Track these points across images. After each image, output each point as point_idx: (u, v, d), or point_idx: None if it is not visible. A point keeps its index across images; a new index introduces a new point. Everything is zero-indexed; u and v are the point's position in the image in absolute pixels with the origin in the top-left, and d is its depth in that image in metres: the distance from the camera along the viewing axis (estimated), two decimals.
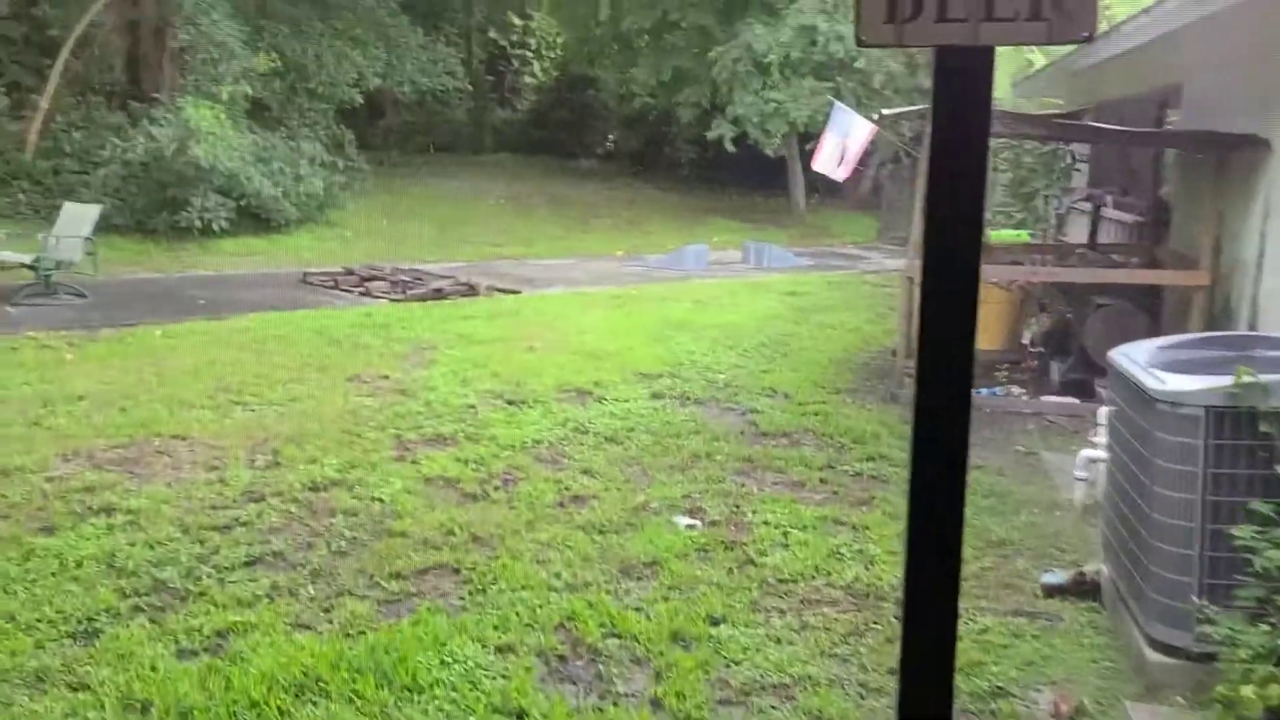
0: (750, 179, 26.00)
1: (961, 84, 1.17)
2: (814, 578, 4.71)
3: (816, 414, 7.51)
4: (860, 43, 1.23)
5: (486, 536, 5.10)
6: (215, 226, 15.18)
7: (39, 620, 4.10)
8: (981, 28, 1.17)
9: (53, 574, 4.51)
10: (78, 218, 11.37)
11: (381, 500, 5.52)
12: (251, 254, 15.24)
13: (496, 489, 5.79)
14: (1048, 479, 6.25)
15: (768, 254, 17.53)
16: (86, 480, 5.63)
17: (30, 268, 10.69)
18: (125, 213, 15.19)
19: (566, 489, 5.83)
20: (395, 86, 21.65)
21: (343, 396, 7.60)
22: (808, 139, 19.74)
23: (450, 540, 5.03)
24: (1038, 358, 8.64)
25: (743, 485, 6.02)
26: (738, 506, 5.63)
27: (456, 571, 4.71)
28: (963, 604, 4.54)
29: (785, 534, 5.22)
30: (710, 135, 22.49)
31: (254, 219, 16.03)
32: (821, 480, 6.11)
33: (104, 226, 14.26)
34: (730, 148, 22.23)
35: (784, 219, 23.54)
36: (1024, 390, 8.21)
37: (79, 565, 4.60)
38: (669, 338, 10.18)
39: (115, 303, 11.11)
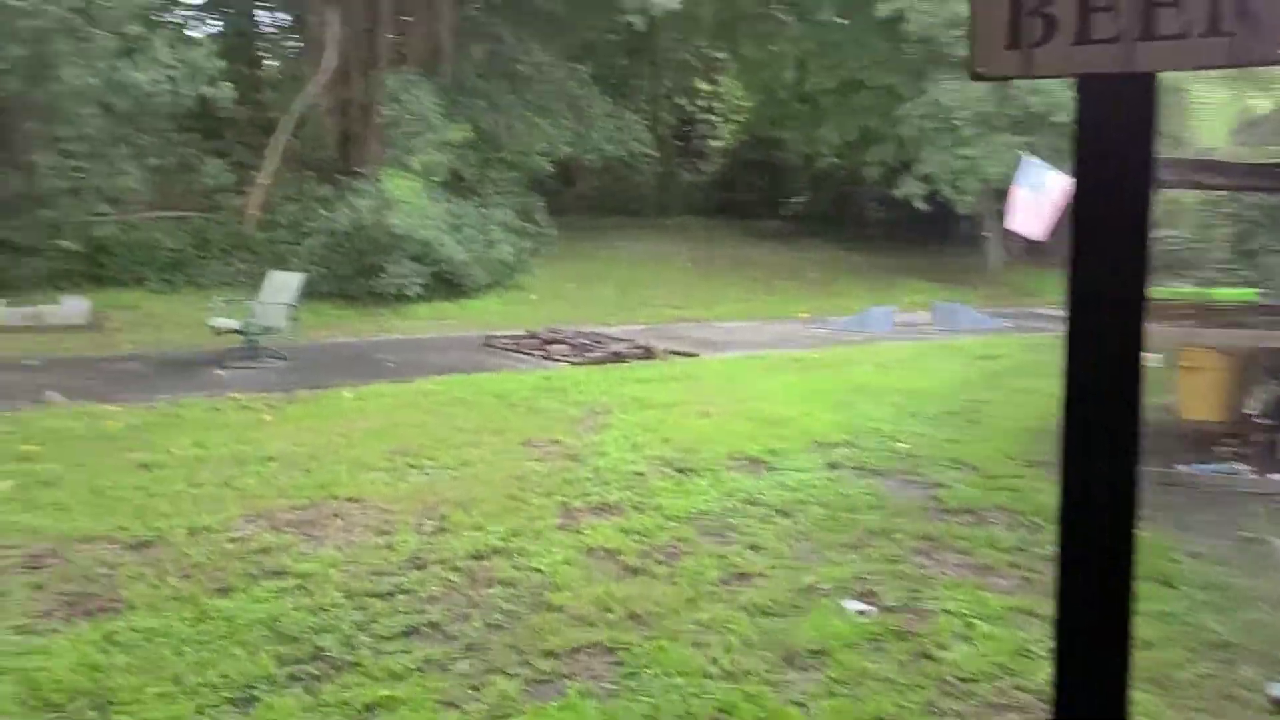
0: (941, 237, 25.18)
1: (1113, 121, 0.88)
2: (1000, 678, 4.24)
3: (1008, 489, 6.96)
4: (976, 75, 0.97)
5: (644, 614, 4.88)
6: (409, 292, 15.86)
7: (202, 684, 4.15)
8: (1138, 49, 0.88)
9: (221, 637, 4.59)
10: (282, 285, 12.08)
11: (541, 571, 5.40)
12: (442, 318, 15.81)
13: (659, 562, 5.58)
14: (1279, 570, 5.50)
15: (959, 315, 16.79)
16: (264, 542, 5.78)
17: (239, 332, 11.38)
18: (329, 279, 16.09)
19: (731, 565, 5.55)
20: (583, 154, 22.20)
21: (514, 461, 7.60)
22: (1003, 195, 18.92)
23: (607, 617, 4.85)
24: (1265, 430, 7.75)
25: (923, 567, 5.58)
26: (916, 591, 5.21)
27: (611, 651, 4.51)
28: (1177, 717, 3.97)
29: (968, 625, 4.77)
30: (899, 193, 21.93)
31: (446, 284, 16.66)
32: (1011, 565, 5.59)
33: (309, 292, 15.15)
34: (920, 206, 21.58)
35: (977, 278, 22.58)
36: (1249, 467, 7.36)
37: (247, 629, 4.67)
38: (850, 404, 9.77)
39: (313, 365, 11.66)
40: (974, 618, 4.83)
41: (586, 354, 12.54)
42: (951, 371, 11.85)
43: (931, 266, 24.00)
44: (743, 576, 5.41)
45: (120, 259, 16.17)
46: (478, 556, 5.62)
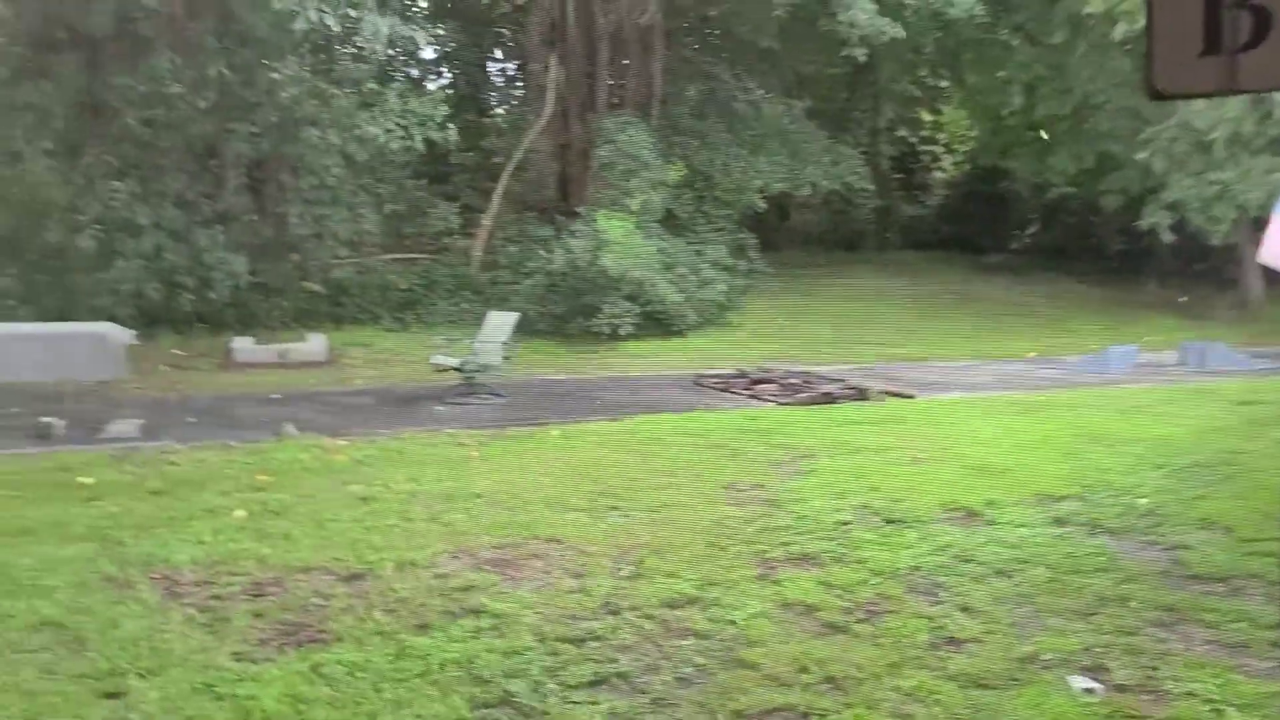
0: (1190, 270, 23.23)
1: None
2: None
3: (1267, 555, 6.16)
4: (1156, 94, 0.74)
5: (843, 678, 4.59)
6: (622, 331, 16.09)
7: None
8: None
9: (418, 675, 4.65)
10: (499, 325, 12.50)
11: (735, 624, 5.20)
12: (653, 356, 15.92)
13: (860, 621, 5.26)
14: None
15: (1212, 355, 15.33)
16: (465, 580, 5.86)
17: (457, 370, 11.85)
18: (547, 318, 16.58)
19: (940, 628, 5.16)
20: (797, 190, 21.96)
21: (713, 505, 7.44)
22: (1262, 224, 17.22)
23: (802, 678, 4.58)
24: None
25: (1162, 642, 4.99)
26: (1154, 670, 4.65)
27: (804, 717, 4.25)
28: None
29: (1217, 712, 4.20)
30: (1142, 223, 20.38)
31: (657, 323, 16.80)
32: (1272, 644, 4.90)
33: (528, 331, 15.66)
34: (1166, 236, 19.97)
35: (1233, 315, 20.62)
36: None
37: (441, 668, 4.71)
38: (1081, 452, 9.03)
39: (526, 403, 11.97)
40: (1223, 704, 4.26)
41: (795, 394, 12.26)
42: (1202, 418, 10.76)
43: (1178, 302, 22.16)
44: (953, 641, 5.01)
45: (357, 299, 17.29)
46: (671, 605, 5.48)
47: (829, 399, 12.01)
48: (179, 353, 14.76)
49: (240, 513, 7.15)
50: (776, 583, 5.80)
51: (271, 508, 7.31)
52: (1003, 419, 10.74)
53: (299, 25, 13.30)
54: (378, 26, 13.70)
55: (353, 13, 13.78)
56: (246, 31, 15.21)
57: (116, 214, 15.25)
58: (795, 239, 28.93)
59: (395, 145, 15.24)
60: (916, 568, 6.06)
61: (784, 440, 9.60)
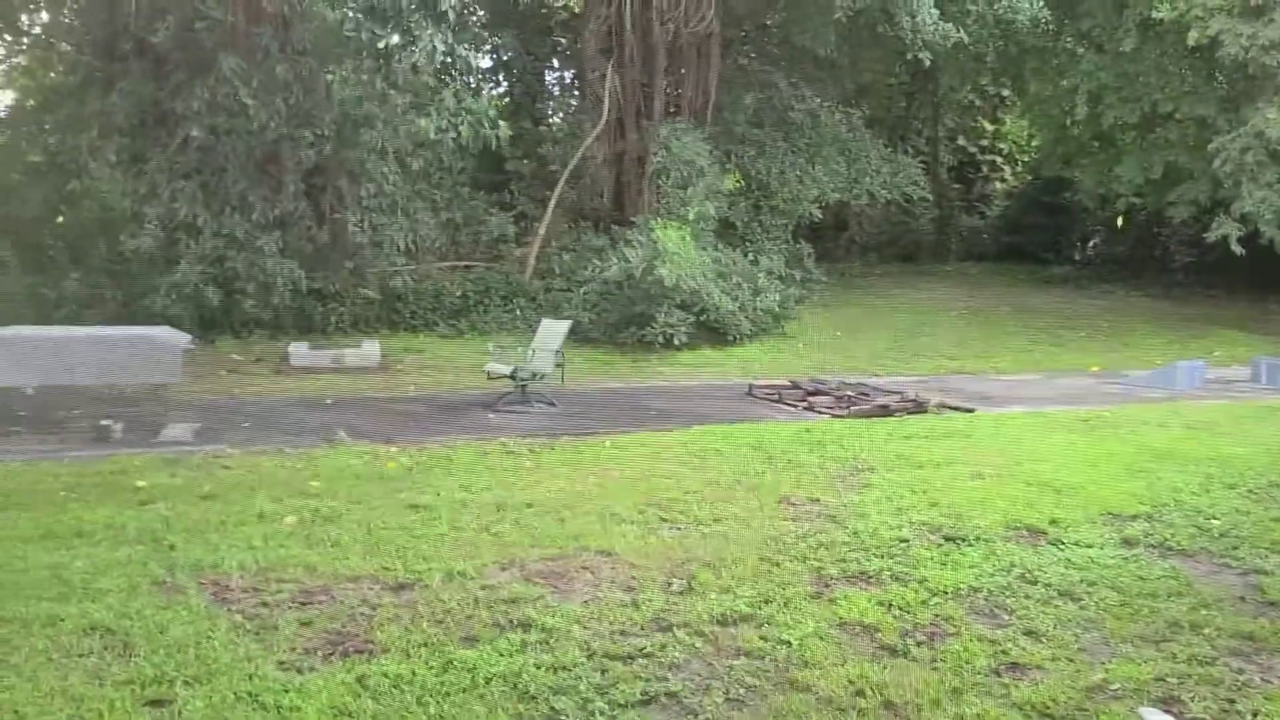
0: (1263, 284, 22.53)
1: None
2: None
3: None
4: None
5: (901, 703, 4.41)
6: (676, 340, 15.95)
7: None
8: None
9: (463, 689, 4.56)
10: (551, 333, 12.43)
11: (789, 643, 5.04)
12: (706, 365, 15.76)
13: (920, 644, 5.07)
14: None
15: None
16: (514, 592, 5.77)
17: (510, 378, 11.80)
18: (600, 327, 16.50)
19: (1004, 653, 4.95)
20: (854, 200, 21.70)
21: (768, 519, 7.27)
22: None
23: (858, 703, 4.41)
24: None
25: (1240, 672, 4.75)
26: (1230, 702, 4.42)
27: None
28: None
29: None
30: (1212, 235, 19.80)
31: (712, 332, 16.64)
32: None
33: (581, 339, 15.60)
34: (1237, 249, 19.38)
35: None
36: None
37: (487, 683, 4.61)
38: (1149, 471, 8.71)
39: (578, 412, 11.88)
40: None
41: (851, 406, 12.03)
42: (1277, 437, 10.36)
43: (1251, 316, 21.50)
44: (1017, 668, 4.81)
45: (412, 306, 17.37)
46: (724, 622, 5.34)
47: (886, 411, 11.76)
48: (237, 356, 14.91)
49: (290, 519, 7.13)
50: (832, 601, 5.63)
51: (322, 514, 7.28)
52: (1067, 435, 10.43)
53: (354, 32, 13.40)
54: (433, 46, 13.74)
55: (399, 38, 13.85)
56: (305, 39, 15.37)
57: (177, 218, 15.49)
58: (853, 249, 28.61)
59: (449, 142, 15.26)
60: (978, 588, 5.86)
61: (840, 453, 9.39)
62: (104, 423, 9.56)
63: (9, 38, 20.43)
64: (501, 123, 15.50)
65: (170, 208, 15.54)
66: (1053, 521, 7.10)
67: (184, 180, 15.81)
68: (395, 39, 13.75)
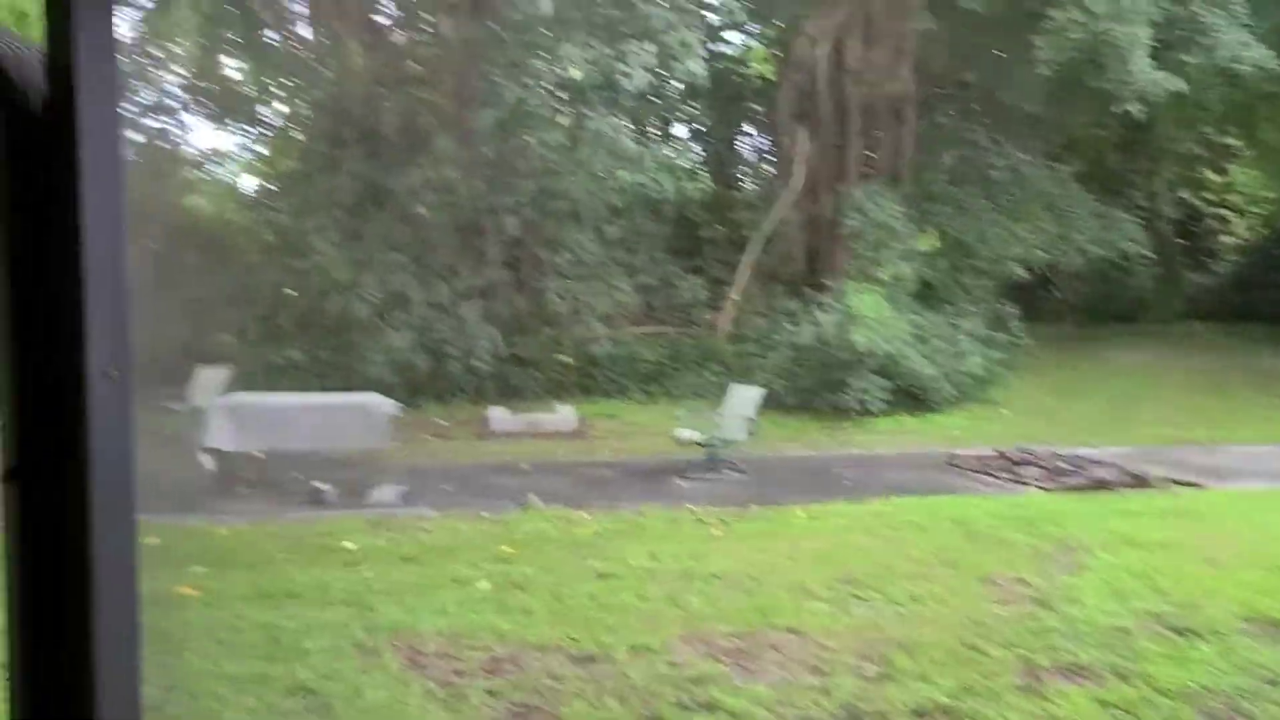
0: None
1: None
2: None
3: None
4: None
5: None
6: (871, 406, 15.48)
7: None
8: None
9: None
10: (743, 399, 12.31)
11: None
12: (904, 433, 15.19)
13: None
14: None
15: None
16: (699, 669, 5.63)
17: (700, 444, 11.73)
18: (793, 392, 16.22)
19: None
20: (1063, 258, 20.62)
21: (971, 601, 6.84)
22: None
23: None
24: None
25: None
26: None
27: None
28: None
29: None
30: None
31: (910, 398, 16.06)
32: None
33: (772, 405, 15.36)
34: None
35: None
36: None
37: None
38: None
39: (769, 479, 11.66)
40: None
41: (1063, 479, 11.26)
42: None
43: None
44: None
45: (607, 371, 17.65)
46: (920, 713, 5.01)
47: (1102, 485, 10.95)
48: (441, 421, 15.54)
49: (484, 584, 7.27)
50: (1043, 696, 5.19)
51: (514, 580, 7.39)
52: None
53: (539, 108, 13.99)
54: (613, 123, 14.27)
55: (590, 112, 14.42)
56: (505, 116, 16.03)
57: (390, 289, 16.42)
58: (1063, 310, 27.14)
59: (645, 206, 15.60)
60: (1213, 689, 5.27)
61: (1052, 531, 8.77)
62: (317, 485, 10.10)
63: (250, 129, 22.48)
64: (698, 174, 15.70)
65: (383, 279, 16.50)
66: None
67: (396, 253, 16.77)
68: (587, 113, 14.26)
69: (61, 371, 1.31)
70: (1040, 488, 11.06)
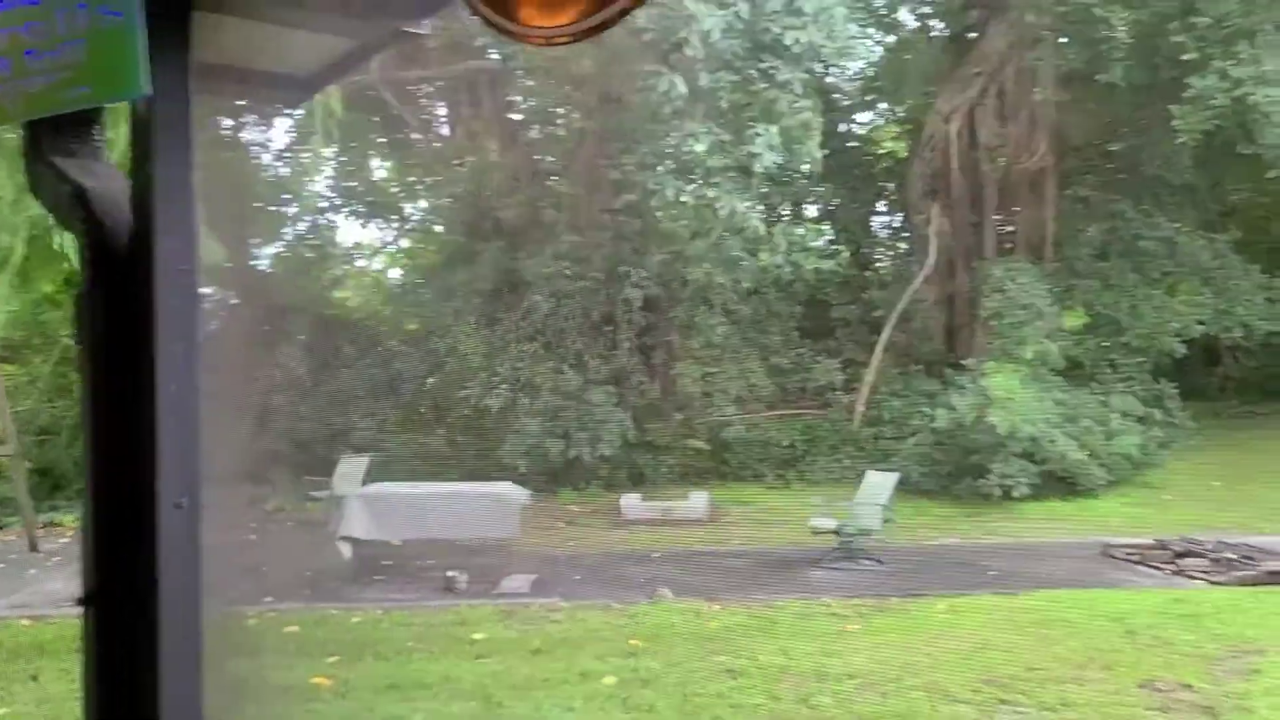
0: None
1: None
2: None
3: None
4: None
5: None
6: (1016, 492, 14.77)
7: None
8: None
9: None
10: (878, 486, 11.92)
11: None
12: (1054, 520, 14.39)
13: None
14: None
15: None
16: None
17: (835, 533, 11.39)
18: (932, 477, 15.67)
19: None
20: (1225, 332, 19.47)
21: (1128, 709, 6.34)
22: None
23: None
24: None
25: None
26: None
27: None
28: None
29: None
30: None
31: (1059, 482, 15.26)
32: None
33: (912, 491, 14.86)
34: None
35: None
36: None
37: None
38: None
39: (908, 570, 11.20)
40: None
41: (1233, 571, 10.42)
42: None
43: None
44: None
45: (740, 455, 17.44)
46: None
47: (1276, 579, 10.07)
48: (574, 508, 15.59)
49: (610, 679, 7.15)
50: None
51: (640, 675, 7.25)
52: None
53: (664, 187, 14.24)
54: (739, 207, 14.42)
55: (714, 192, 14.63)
56: (640, 191, 16.31)
57: (522, 376, 16.74)
58: (1229, 386, 25.54)
59: (778, 286, 15.55)
60: None
61: (1220, 629, 8.11)
62: (450, 574, 10.22)
63: (396, 224, 23.58)
64: (832, 253, 15.61)
65: (516, 367, 16.85)
66: None
67: (530, 342, 17.13)
68: (712, 193, 14.43)
69: (135, 501, 1.32)
70: (1206, 581, 10.26)
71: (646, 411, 17.13)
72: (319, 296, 21.13)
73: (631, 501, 15.08)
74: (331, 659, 7.74)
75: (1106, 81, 16.59)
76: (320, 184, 21.42)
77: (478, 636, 8.37)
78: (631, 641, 8.15)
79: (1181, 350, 18.88)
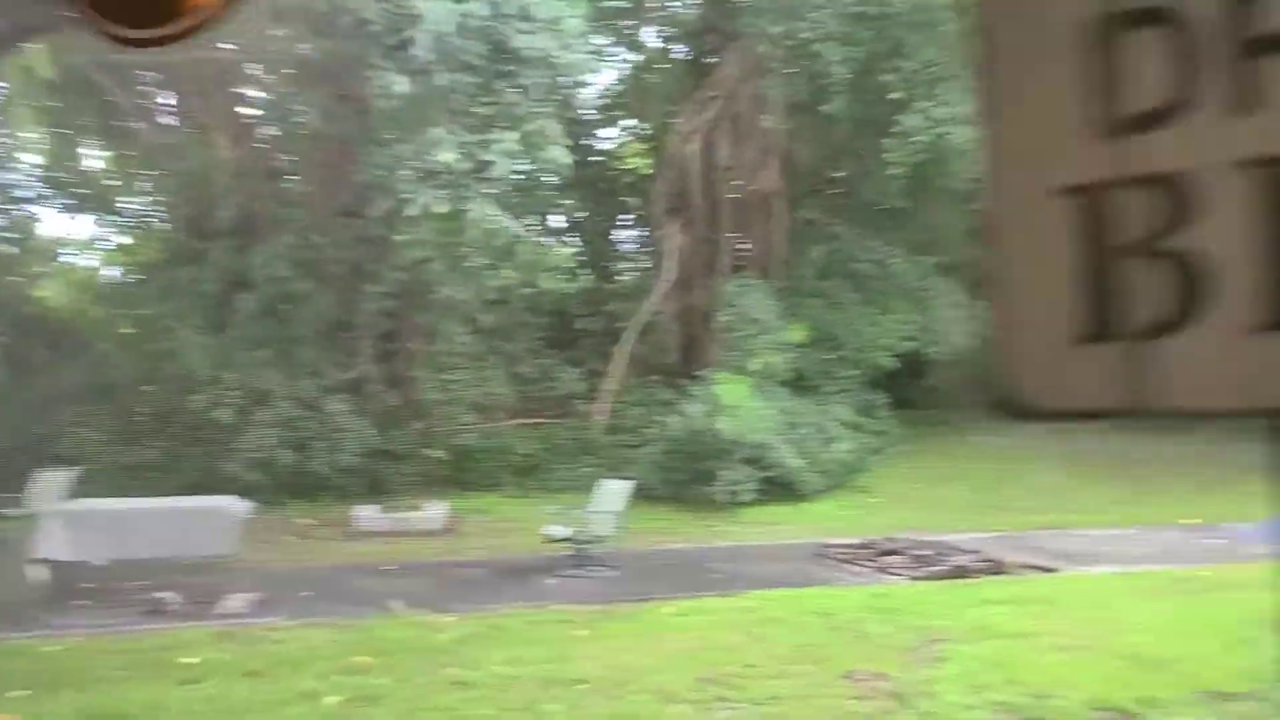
0: None
1: None
2: None
3: None
4: None
5: None
6: (742, 497, 15.55)
7: None
8: None
9: None
10: (610, 493, 12.21)
11: None
12: (775, 523, 15.26)
13: None
14: None
15: None
16: None
17: (569, 540, 11.55)
18: (666, 484, 16.20)
19: None
20: (928, 348, 21.35)
21: (830, 698, 6.81)
22: None
23: None
24: None
25: None
26: None
27: None
28: None
29: None
30: None
31: (780, 487, 16.20)
32: None
33: (647, 497, 15.27)
34: None
35: None
36: None
37: None
38: (1255, 641, 7.95)
39: (638, 575, 11.53)
40: None
41: (926, 567, 11.45)
42: None
43: None
44: None
45: (480, 464, 17.34)
46: None
47: (962, 573, 11.16)
48: (307, 521, 14.96)
49: (332, 699, 6.91)
50: None
51: (366, 693, 7.05)
52: (1161, 600, 9.70)
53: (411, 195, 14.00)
54: (483, 212, 14.39)
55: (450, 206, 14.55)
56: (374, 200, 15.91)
57: (252, 384, 15.90)
58: (932, 398, 27.98)
59: (523, 298, 15.60)
60: None
61: (913, 621, 8.86)
62: (160, 595, 9.54)
63: (111, 218, 21.76)
64: (575, 272, 15.81)
65: (246, 374, 15.98)
66: (1145, 701, 6.51)
67: (260, 349, 16.29)
68: (447, 207, 14.31)
69: None
70: (906, 576, 11.21)
71: (385, 420, 16.70)
72: (18, 294, 19.20)
73: (366, 513, 14.65)
74: (21, 692, 7.03)
75: (828, 112, 17.80)
76: (19, 172, 19.47)
77: (189, 660, 7.85)
78: (357, 659, 7.91)
79: (892, 363, 20.53)
